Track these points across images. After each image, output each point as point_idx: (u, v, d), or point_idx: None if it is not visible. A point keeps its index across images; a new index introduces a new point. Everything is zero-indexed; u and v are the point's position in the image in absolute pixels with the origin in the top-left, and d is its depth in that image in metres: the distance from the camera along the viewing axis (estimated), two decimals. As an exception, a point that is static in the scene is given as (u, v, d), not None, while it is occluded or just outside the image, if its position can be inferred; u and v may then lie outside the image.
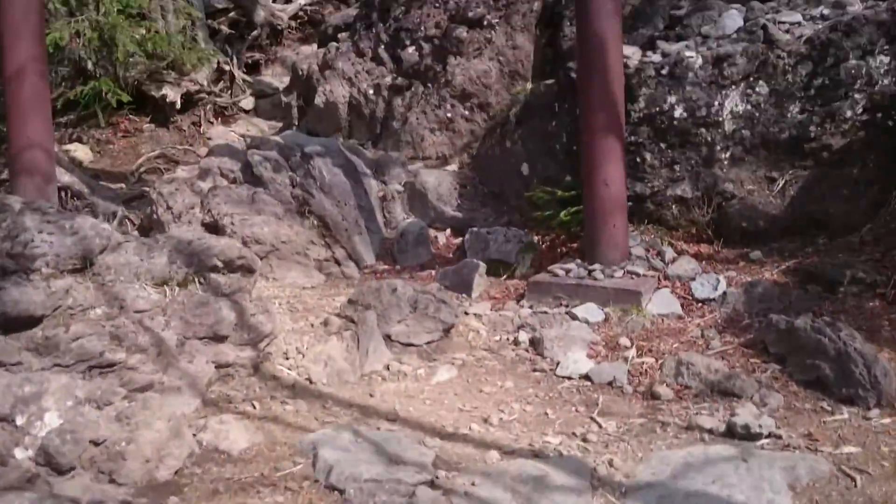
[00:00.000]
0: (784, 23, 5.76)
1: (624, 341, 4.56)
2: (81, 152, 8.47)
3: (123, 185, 7.62)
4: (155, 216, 5.97)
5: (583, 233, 5.46)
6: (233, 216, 5.78)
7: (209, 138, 9.13)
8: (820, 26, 5.62)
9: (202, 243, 4.13)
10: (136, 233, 6.02)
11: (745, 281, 5.03)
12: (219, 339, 4.03)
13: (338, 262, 6.04)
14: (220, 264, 4.25)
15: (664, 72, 5.62)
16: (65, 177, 6.27)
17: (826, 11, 5.77)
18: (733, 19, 5.89)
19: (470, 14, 7.79)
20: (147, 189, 6.63)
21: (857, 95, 5.43)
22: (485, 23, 7.78)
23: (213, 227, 5.72)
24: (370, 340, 4.42)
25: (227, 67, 10.33)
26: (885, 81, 5.41)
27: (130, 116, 9.02)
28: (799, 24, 5.75)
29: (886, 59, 5.40)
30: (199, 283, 4.11)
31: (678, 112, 5.60)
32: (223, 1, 12.93)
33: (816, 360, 4.01)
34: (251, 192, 6.04)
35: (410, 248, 6.26)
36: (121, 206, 6.54)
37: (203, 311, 3.99)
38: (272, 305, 4.61)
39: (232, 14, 12.78)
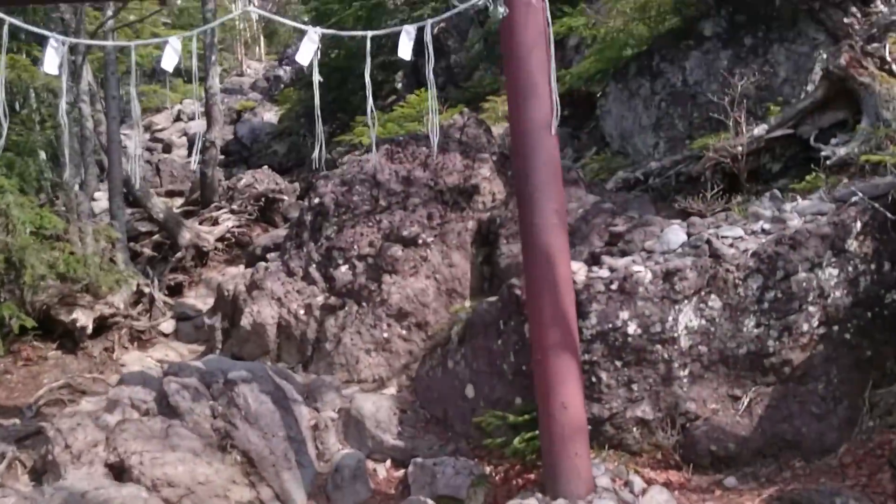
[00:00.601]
0: (727, 237, 5.70)
1: None
2: (-26, 383, 7.64)
3: (18, 421, 6.77)
4: (50, 457, 5.18)
5: (541, 462, 4.92)
6: (142, 455, 5.05)
7: (122, 365, 8.43)
8: (763, 240, 5.56)
9: (98, 495, 3.43)
10: (26, 477, 5.18)
11: (726, 513, 4.52)
12: None
13: (263, 505, 5.29)
14: (121, 520, 3.54)
15: (614, 286, 5.39)
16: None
17: (766, 226, 5.75)
18: (676, 234, 5.81)
19: (404, 233, 7.63)
20: (44, 425, 5.85)
21: (811, 308, 5.28)
22: (420, 241, 7.60)
23: (119, 469, 4.98)
24: None
25: (146, 290, 9.83)
26: (837, 294, 5.30)
27: (35, 343, 8.29)
28: (741, 238, 5.69)
29: (835, 272, 5.32)
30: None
31: (632, 328, 5.32)
32: (147, 224, 12.71)
33: None
34: (165, 425, 5.36)
35: (347, 484, 5.57)
36: (12, 445, 5.71)
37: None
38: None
39: (156, 236, 12.52)
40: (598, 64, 9.46)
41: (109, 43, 5.01)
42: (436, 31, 17.19)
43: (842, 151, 6.44)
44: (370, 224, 7.85)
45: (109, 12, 10.04)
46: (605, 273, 5.52)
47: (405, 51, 5.07)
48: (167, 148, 25.37)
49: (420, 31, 5.00)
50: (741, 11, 8.38)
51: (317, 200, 8.20)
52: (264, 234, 14.10)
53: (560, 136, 5.60)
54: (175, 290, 11.18)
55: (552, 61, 5.05)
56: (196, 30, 5.51)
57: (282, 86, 25.18)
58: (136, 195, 11.48)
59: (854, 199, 5.53)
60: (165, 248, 11.85)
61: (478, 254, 7.74)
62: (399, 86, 16.73)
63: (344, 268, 7.73)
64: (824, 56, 7.49)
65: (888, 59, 6.69)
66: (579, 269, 5.65)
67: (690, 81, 8.60)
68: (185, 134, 25.99)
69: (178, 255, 11.40)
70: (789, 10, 7.78)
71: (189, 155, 22.58)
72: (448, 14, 5.22)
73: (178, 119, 28.83)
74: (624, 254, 5.96)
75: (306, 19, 16.67)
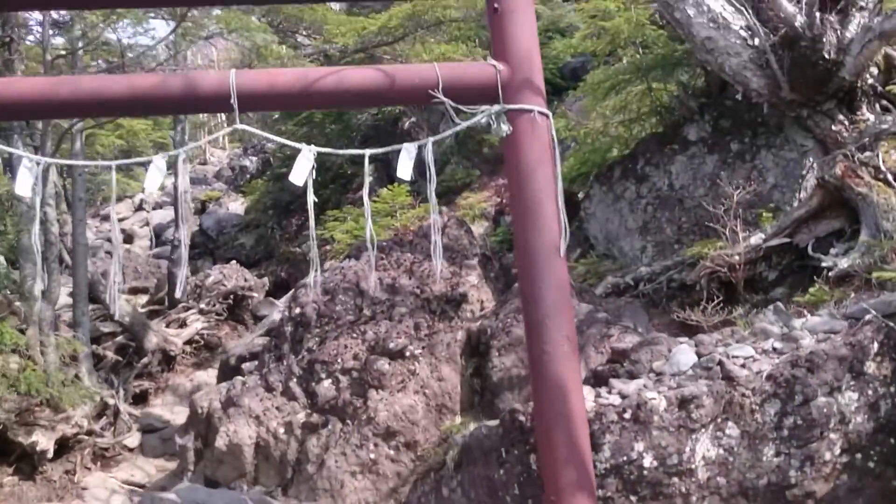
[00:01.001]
0: (738, 357, 5.46)
1: None
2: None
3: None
4: None
5: None
6: None
7: (84, 488, 7.83)
8: (777, 361, 5.32)
9: None
10: None
11: None
12: None
13: None
14: None
15: (627, 415, 5.08)
16: None
17: (778, 345, 5.53)
18: (686, 355, 5.55)
19: (391, 345, 7.28)
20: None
21: (832, 435, 5.01)
22: (407, 354, 7.26)
23: None
24: None
25: (111, 401, 9.28)
26: (858, 419, 5.05)
27: (-11, 469, 7.68)
28: (753, 358, 5.45)
29: (855, 396, 5.08)
30: None
31: (648, 460, 4.98)
32: (110, 324, 12.15)
33: None
34: (139, 577, 4.82)
35: None
36: None
37: None
38: None
39: (120, 338, 11.96)
40: (581, 167, 9.38)
41: (90, 163, 4.74)
42: (406, 124, 17.24)
43: (844, 263, 6.30)
44: (354, 335, 7.50)
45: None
46: (616, 400, 5.21)
47: (405, 170, 4.84)
48: (129, 239, 24.84)
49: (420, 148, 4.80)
50: (726, 116, 8.39)
51: (297, 310, 7.84)
52: (233, 332, 13.62)
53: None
54: (140, 398, 10.63)
55: (559, 179, 4.85)
56: (183, 148, 5.24)
57: (248, 176, 24.94)
58: (101, 298, 11.00)
59: (868, 317, 5.35)
60: (130, 351, 11.31)
61: (468, 366, 7.41)
62: (371, 179, 16.59)
63: (327, 382, 7.33)
64: (814, 163, 7.46)
65: (882, 168, 6.65)
66: (586, 396, 5.33)
67: (677, 186, 8.52)
68: (148, 224, 25.57)
69: (144, 360, 10.88)
70: (775, 117, 7.78)
71: (152, 247, 22.10)
72: (450, 132, 5.03)
73: (140, 208, 28.41)
74: (631, 375, 5.67)
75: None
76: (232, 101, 4.61)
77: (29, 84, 4.82)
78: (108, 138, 22.18)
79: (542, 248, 4.80)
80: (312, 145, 4.43)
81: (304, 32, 12.44)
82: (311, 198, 4.87)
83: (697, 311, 6.81)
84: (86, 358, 9.43)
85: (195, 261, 19.98)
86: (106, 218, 27.37)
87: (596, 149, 9.27)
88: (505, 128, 4.86)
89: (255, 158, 26.09)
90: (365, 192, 4.87)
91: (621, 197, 9.02)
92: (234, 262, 16.02)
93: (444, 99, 4.76)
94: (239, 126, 4.74)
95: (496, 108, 4.82)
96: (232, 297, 13.76)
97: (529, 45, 4.97)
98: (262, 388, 7.52)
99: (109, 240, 25.23)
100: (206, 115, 30.72)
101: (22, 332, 7.83)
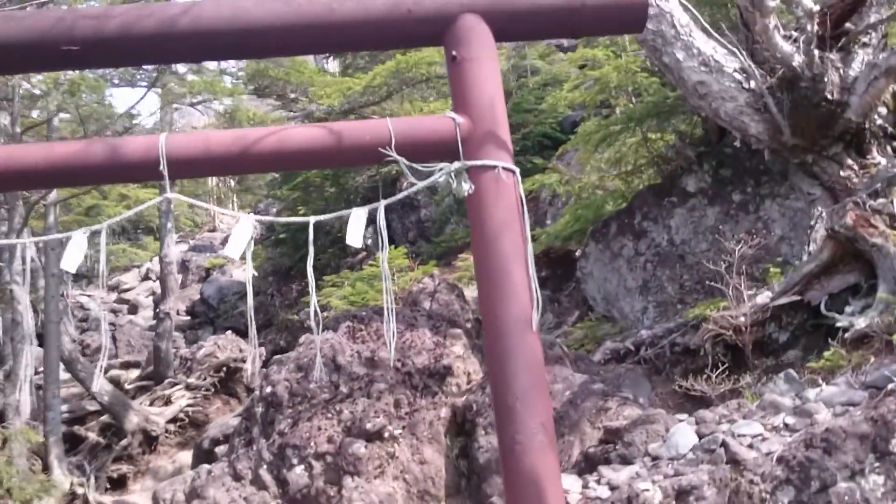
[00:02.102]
0: (744, 436, 4.81)
1: None
2: None
3: None
4: None
5: None
6: None
7: (41, 593, 7.17)
8: (789, 439, 4.67)
9: None
10: None
11: None
12: None
13: None
14: None
15: (617, 511, 4.42)
16: None
17: (790, 420, 4.88)
18: (685, 435, 4.90)
19: (368, 425, 6.65)
20: None
21: (857, 528, 4.31)
22: (386, 435, 6.62)
23: None
24: None
25: (80, 490, 8.67)
26: (886, 507, 4.36)
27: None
28: (762, 437, 4.80)
29: (880, 480, 4.40)
30: None
31: (643, 564, 4.31)
32: (94, 402, 11.61)
33: None
34: None
35: None
36: None
37: None
38: None
39: (104, 417, 11.39)
40: (575, 224, 8.83)
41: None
42: (405, 184, 16.83)
43: (861, 323, 5.66)
44: (329, 415, 6.88)
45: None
46: (604, 492, 4.56)
47: (356, 237, 4.29)
48: (133, 309, 24.46)
49: (372, 212, 4.28)
50: (726, 165, 7.84)
51: (269, 389, 7.24)
52: (225, 406, 13.02)
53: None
54: (119, 483, 10.01)
55: (528, 242, 4.27)
56: (105, 223, 4.75)
57: (252, 241, 24.61)
58: (80, 377, 10.46)
59: (890, 385, 4.70)
60: (110, 432, 10.73)
61: (452, 446, 6.76)
62: (369, 241, 16.18)
63: (299, 469, 6.68)
64: (822, 212, 6.86)
65: (897, 215, 6.04)
66: (572, 485, 4.68)
67: (677, 241, 7.94)
68: (154, 293, 25.15)
69: (124, 442, 10.28)
70: (779, 164, 7.23)
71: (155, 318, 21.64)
72: (404, 194, 4.51)
73: (146, 278, 28.11)
74: (624, 460, 5.01)
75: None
76: (161, 168, 4.11)
77: (-67, 157, 4.37)
78: (115, 208, 21.96)
79: (512, 321, 4.19)
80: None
81: (292, 95, 12.13)
82: (250, 271, 4.35)
83: (702, 379, 6.16)
84: (56, 443, 8.85)
85: (195, 330, 19.49)
86: (113, 288, 27.10)
87: (590, 204, 8.73)
88: (466, 186, 4.31)
89: (257, 225, 25.83)
90: (309, 263, 4.32)
91: (619, 254, 8.44)
92: (229, 332, 15.51)
93: (398, 157, 4.22)
94: (170, 195, 4.24)
95: (455, 165, 4.28)
96: (224, 369, 13.19)
97: (492, 94, 4.44)
98: (229, 477, 6.88)
99: (114, 311, 24.86)
100: (214, 178, 30.55)
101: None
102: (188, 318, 20.45)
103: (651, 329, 7.54)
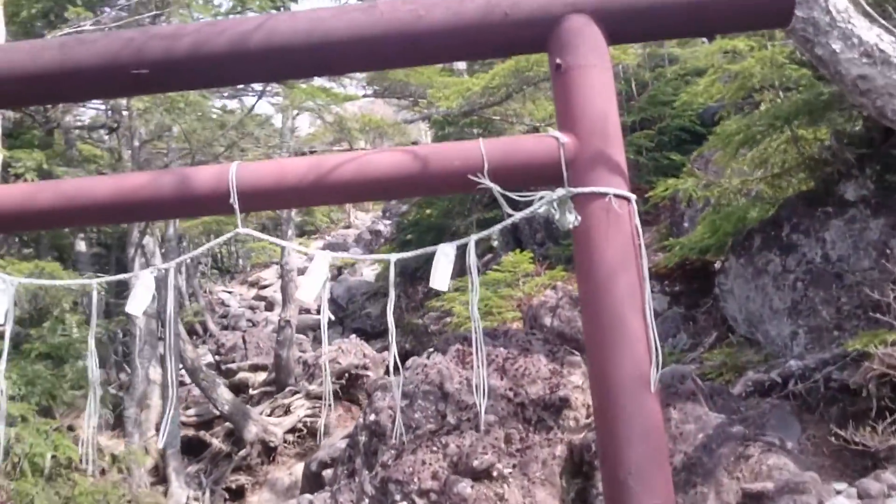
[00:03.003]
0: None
1: None
2: None
3: None
4: None
5: None
6: None
7: None
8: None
9: None
10: None
11: None
12: None
13: None
14: None
15: None
16: None
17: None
18: (844, 512, 4.06)
19: (475, 463, 6.12)
20: None
21: None
22: (494, 473, 6.07)
23: None
24: None
25: (197, 503, 8.62)
26: None
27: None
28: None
29: None
30: None
31: None
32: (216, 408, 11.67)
33: None
34: None
35: None
36: None
37: None
38: None
39: (228, 423, 11.44)
40: (713, 237, 7.92)
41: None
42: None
43: None
44: (434, 449, 6.39)
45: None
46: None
47: (442, 279, 3.74)
48: (269, 306, 25.01)
49: (462, 248, 3.73)
50: (892, 170, 6.74)
51: (372, 417, 6.84)
52: (346, 414, 12.86)
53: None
54: (237, 494, 9.95)
55: (646, 284, 3.56)
56: (172, 262, 4.43)
57: (382, 240, 24.64)
58: (202, 386, 10.50)
59: None
60: (231, 441, 10.74)
61: (569, 489, 6.12)
62: (496, 243, 15.66)
63: (402, 506, 6.24)
64: None
65: None
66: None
67: (833, 257, 6.91)
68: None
69: (242, 452, 10.23)
70: (959, 169, 6.11)
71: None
72: (500, 226, 3.90)
73: (286, 275, 28.71)
74: (766, 538, 4.22)
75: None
76: (232, 200, 3.70)
77: (3, 193, 4.15)
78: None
79: (626, 380, 3.50)
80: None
81: (411, 98, 11.72)
82: (325, 316, 3.89)
83: (864, 429, 5.22)
84: (173, 455, 8.85)
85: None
86: (253, 284, 27.90)
87: (729, 214, 7.79)
88: (571, 217, 3.66)
89: (388, 223, 25.79)
90: (389, 309, 3.81)
91: (764, 270, 7.48)
92: (354, 335, 15.43)
93: (490, 184, 3.63)
94: (241, 230, 3.85)
95: (559, 192, 3.63)
96: (346, 375, 13.03)
97: (604, 108, 3.74)
98: (331, 510, 6.56)
99: (252, 307, 25.55)
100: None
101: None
102: (318, 316, 20.67)
103: (802, 359, 6.58)
